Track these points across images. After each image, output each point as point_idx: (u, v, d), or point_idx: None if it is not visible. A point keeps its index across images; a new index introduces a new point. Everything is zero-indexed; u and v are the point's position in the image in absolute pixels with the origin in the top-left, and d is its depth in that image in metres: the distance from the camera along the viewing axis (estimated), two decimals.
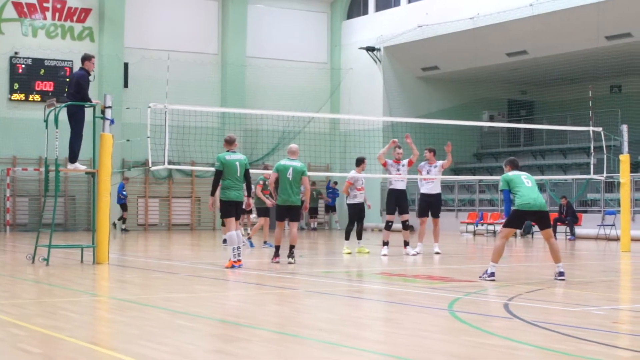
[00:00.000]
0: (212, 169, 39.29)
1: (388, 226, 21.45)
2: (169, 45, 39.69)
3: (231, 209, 17.13)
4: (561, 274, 14.65)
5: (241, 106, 38.93)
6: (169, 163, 20.55)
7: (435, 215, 21.98)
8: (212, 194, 17.41)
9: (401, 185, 21.38)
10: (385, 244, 21.28)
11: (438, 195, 22.10)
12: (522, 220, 15.17)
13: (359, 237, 22.27)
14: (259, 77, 42.43)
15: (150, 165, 20.48)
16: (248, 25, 42.58)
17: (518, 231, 33.46)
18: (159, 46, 39.75)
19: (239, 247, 16.98)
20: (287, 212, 18.28)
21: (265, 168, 24.89)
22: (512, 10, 36.20)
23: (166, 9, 41.12)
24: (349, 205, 22.06)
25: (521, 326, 9.65)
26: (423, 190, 21.98)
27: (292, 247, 18.31)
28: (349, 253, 21.75)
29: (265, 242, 24.30)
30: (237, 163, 16.95)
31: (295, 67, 43.24)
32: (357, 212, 21.93)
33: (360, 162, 21.71)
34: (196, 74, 40.83)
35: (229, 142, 17.28)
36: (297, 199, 18.30)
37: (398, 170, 21.25)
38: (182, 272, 16.74)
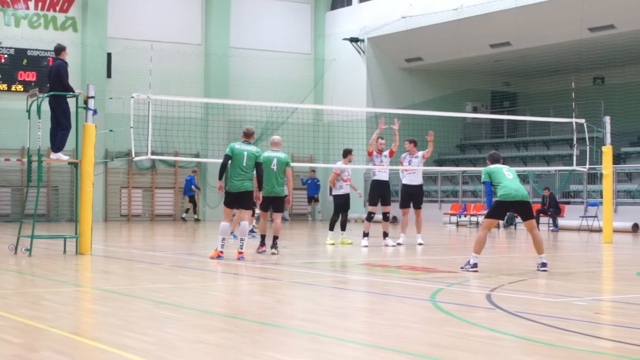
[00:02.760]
0: (196, 159, 39.37)
1: (370, 217, 21.44)
2: (153, 35, 39.56)
3: (231, 200, 16.96)
4: (544, 265, 14.72)
5: (225, 97, 38.87)
6: (152, 153, 20.52)
7: (417, 207, 21.98)
8: (220, 177, 17.15)
9: (384, 176, 21.37)
10: (366, 235, 21.28)
11: (420, 186, 22.11)
12: (504, 211, 15.25)
13: (343, 228, 22.27)
14: (243, 68, 42.37)
15: (133, 155, 20.41)
16: (232, 16, 42.49)
17: (501, 222, 33.61)
18: (142, 36, 39.61)
19: (223, 239, 16.78)
20: (271, 203, 18.35)
21: None
22: (495, 2, 36.23)
23: None
24: (335, 196, 22.07)
25: (503, 317, 9.69)
26: (405, 181, 21.99)
27: (275, 237, 18.32)
28: (332, 244, 21.76)
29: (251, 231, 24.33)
30: (245, 153, 16.77)
31: (279, 57, 43.19)
32: (342, 203, 21.94)
33: (347, 153, 21.69)
34: (180, 64, 40.73)
35: (246, 135, 17.13)
36: (281, 189, 18.31)
37: (381, 161, 21.25)
38: (165, 263, 16.73)
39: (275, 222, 18.33)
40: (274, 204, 18.38)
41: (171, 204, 41.23)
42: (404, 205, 21.98)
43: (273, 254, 18.04)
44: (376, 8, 42.35)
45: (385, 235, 21.47)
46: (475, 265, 14.72)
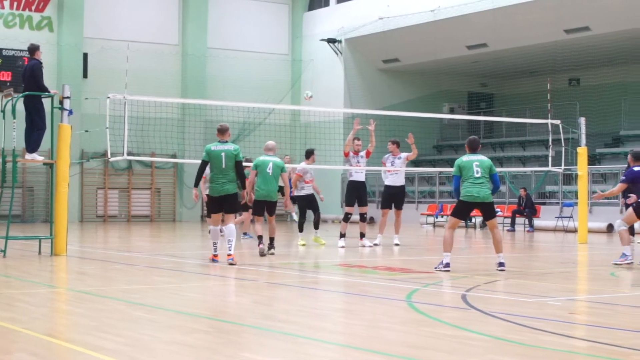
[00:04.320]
0: (173, 160, 39.24)
1: (347, 218, 21.42)
2: (129, 35, 39.45)
3: (214, 205, 16.19)
4: (501, 264, 14.95)
5: (202, 97, 38.78)
6: (129, 154, 20.47)
7: (398, 207, 21.97)
8: (195, 184, 16.97)
9: (361, 177, 21.35)
10: (343, 235, 21.27)
11: (402, 187, 22.11)
12: (466, 210, 15.42)
13: (316, 227, 22.14)
14: (220, 68, 42.31)
15: (109, 156, 20.33)
16: (209, 16, 42.43)
17: (478, 222, 33.70)
18: (118, 36, 39.49)
19: (215, 243, 16.26)
20: (266, 207, 18.19)
21: (248, 161, 24.86)
22: (472, 3, 36.34)
23: None
24: (297, 197, 22.02)
25: (478, 317, 9.71)
26: (387, 182, 21.96)
27: (271, 238, 18.31)
28: (304, 244, 21.71)
29: (245, 234, 24.41)
30: (223, 154, 15.86)
31: (256, 58, 43.15)
32: (306, 204, 21.93)
33: (309, 154, 21.62)
34: (156, 64, 40.62)
35: (220, 132, 16.26)
36: (275, 194, 18.15)
37: (358, 162, 21.23)
38: (141, 264, 16.68)
39: (270, 225, 18.35)
40: (268, 207, 18.22)
41: (148, 205, 41.11)
42: (385, 205, 21.95)
43: (271, 254, 18.06)
44: (354, 9, 42.40)
45: (362, 235, 21.46)
46: (447, 264, 14.84)
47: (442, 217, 36.76)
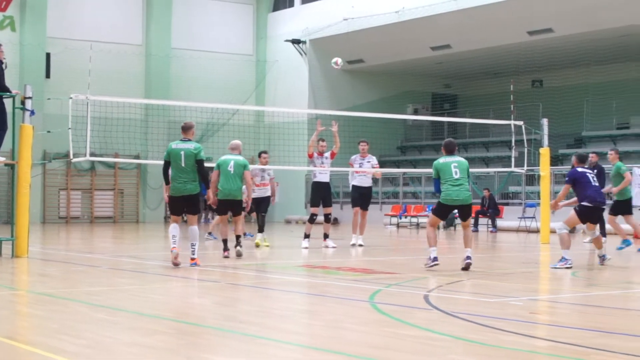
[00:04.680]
0: (136, 161, 39.09)
1: (312, 219, 21.38)
2: (93, 35, 39.23)
3: (175, 205, 15.71)
4: (468, 257, 15.09)
5: (166, 97, 38.62)
6: (91, 155, 20.36)
7: (365, 208, 21.96)
8: (166, 182, 16.04)
9: (325, 178, 21.33)
10: (307, 236, 21.23)
11: (370, 188, 22.16)
12: (445, 212, 15.55)
13: (260, 230, 21.84)
14: (184, 69, 42.20)
15: (71, 157, 20.21)
16: (173, 16, 42.30)
17: (441, 223, 33.81)
18: (82, 36, 39.28)
19: (174, 236, 15.62)
20: (229, 207, 17.79)
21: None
22: (437, 4, 36.48)
23: None
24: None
25: (440, 317, 9.74)
26: (355, 183, 21.96)
27: (238, 237, 17.85)
28: (258, 245, 21.47)
29: (209, 233, 24.26)
30: (183, 152, 15.41)
31: (221, 58, 43.08)
32: (254, 206, 21.48)
33: (258, 155, 21.51)
34: (120, 64, 40.42)
35: (183, 129, 15.79)
36: (238, 193, 17.73)
37: (322, 162, 21.22)
38: (104, 265, 16.57)
39: (236, 227, 17.98)
40: (232, 207, 17.82)
41: (111, 206, 40.92)
42: (355, 205, 21.93)
43: (239, 253, 17.61)
44: (318, 10, 42.43)
45: (326, 236, 21.45)
46: (435, 258, 15.10)
47: (405, 217, 36.88)
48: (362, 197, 21.87)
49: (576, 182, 16.16)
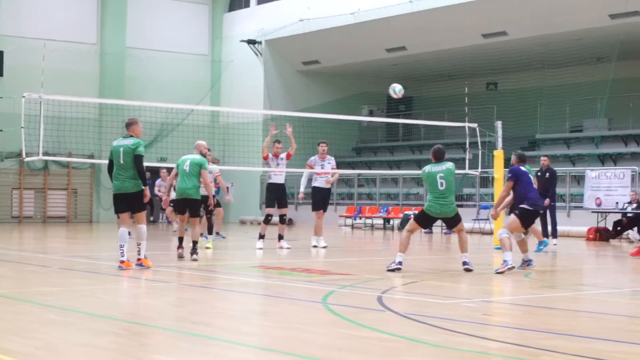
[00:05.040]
0: (90, 160, 38.75)
1: (267, 220, 21.34)
2: (46, 33, 38.96)
3: (117, 203, 15.36)
4: (465, 263, 15.30)
5: (120, 97, 38.36)
6: (44, 154, 20.20)
7: (325, 209, 22.06)
8: (112, 182, 15.67)
9: (280, 179, 21.32)
10: (262, 237, 21.20)
11: (329, 189, 22.18)
12: (428, 222, 15.71)
13: (210, 231, 21.59)
14: (139, 68, 41.99)
15: (24, 156, 20.05)
16: (128, 15, 42.08)
17: (396, 224, 33.96)
18: (35, 34, 38.97)
19: (121, 246, 15.13)
20: (186, 206, 17.45)
21: (213, 162, 24.93)
22: (392, 7, 36.60)
23: None
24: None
25: (393, 318, 9.78)
26: (316, 184, 21.93)
27: (194, 243, 17.37)
28: (209, 248, 21.04)
29: (217, 233, 24.37)
30: (121, 149, 15.11)
31: (176, 58, 42.93)
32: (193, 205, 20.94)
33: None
34: (74, 63, 40.13)
35: (126, 125, 15.58)
36: (194, 192, 17.29)
37: (278, 164, 21.19)
38: (56, 266, 16.45)
39: (192, 229, 17.50)
40: (189, 207, 17.44)
41: (64, 206, 40.63)
42: (317, 207, 21.90)
43: (194, 260, 17.13)
44: (274, 10, 42.42)
45: (281, 237, 21.43)
46: (399, 263, 15.08)
47: (360, 219, 36.96)
48: (324, 200, 21.91)
49: (518, 180, 15.92)
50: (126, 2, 42.02)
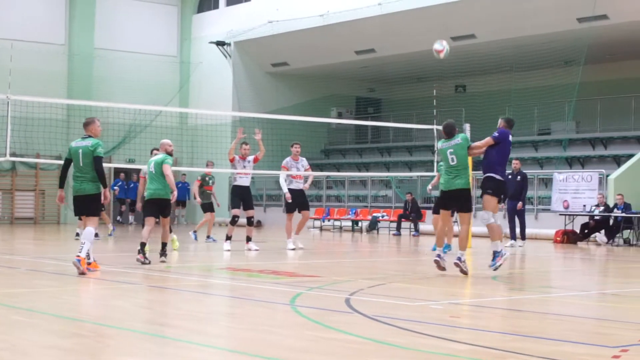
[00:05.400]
0: (58, 161, 38.59)
1: (234, 221, 21.31)
2: (14, 34, 38.68)
3: (76, 205, 15.13)
4: (458, 258, 15.06)
5: (88, 98, 38.11)
6: (12, 155, 20.08)
7: (307, 209, 22.18)
8: (60, 185, 15.60)
9: (246, 182, 21.26)
10: (229, 238, 21.13)
11: (303, 190, 22.21)
12: (442, 202, 15.62)
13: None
14: (107, 69, 41.77)
15: None
16: (96, 16, 41.85)
17: (364, 226, 34.02)
18: (2, 35, 38.65)
19: (82, 243, 14.64)
20: (158, 206, 17.27)
21: (207, 165, 25.01)
22: (361, 9, 36.62)
23: None
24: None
25: (360, 320, 9.77)
26: (291, 186, 21.96)
27: (164, 244, 17.33)
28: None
29: (208, 237, 24.87)
30: (80, 150, 14.86)
31: (145, 59, 42.76)
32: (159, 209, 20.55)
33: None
34: (42, 64, 39.84)
35: (83, 125, 15.22)
36: (163, 192, 17.19)
37: (244, 167, 21.15)
38: (23, 267, 16.34)
39: (164, 229, 17.38)
40: (162, 208, 17.27)
41: (32, 207, 40.37)
42: (291, 209, 21.93)
43: (162, 261, 17.05)
44: (243, 12, 42.37)
45: (249, 239, 21.38)
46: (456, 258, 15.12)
47: (328, 221, 36.97)
48: (300, 200, 21.94)
49: (501, 144, 15.38)
50: (94, 2, 41.81)
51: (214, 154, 32.15)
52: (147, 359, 7.57)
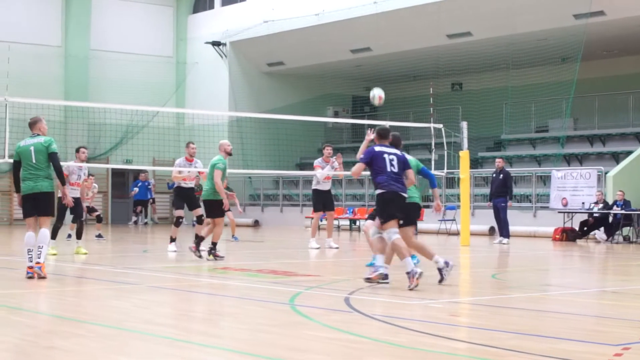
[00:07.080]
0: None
1: (178, 223, 21.04)
2: (11, 36, 38.62)
3: (27, 205, 14.09)
4: (446, 263, 13.95)
5: (85, 99, 38.12)
6: (10, 157, 20.01)
7: (332, 209, 23.40)
8: (16, 190, 14.31)
9: (190, 184, 21.00)
10: (173, 240, 20.77)
11: (330, 190, 23.22)
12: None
13: (78, 237, 20.50)
14: (104, 70, 41.71)
15: None
16: (92, 18, 41.80)
17: (362, 225, 33.93)
18: None
19: (29, 250, 13.92)
20: (206, 207, 18.38)
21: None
22: (356, 8, 36.61)
23: None
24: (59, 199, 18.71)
25: (360, 319, 9.78)
26: (318, 187, 22.72)
27: (214, 244, 18.26)
28: (55, 254, 19.29)
29: (233, 236, 25.58)
30: (32, 148, 14.08)
31: (141, 60, 42.70)
32: (64, 209, 19.20)
33: (76, 150, 20.91)
34: (39, 66, 39.79)
35: (29, 125, 14.56)
36: (210, 193, 18.13)
37: (195, 167, 20.85)
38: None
39: (215, 227, 18.53)
40: (208, 208, 18.43)
41: None
42: (318, 209, 22.79)
43: (214, 258, 18.12)
44: (238, 12, 42.34)
45: (198, 238, 20.66)
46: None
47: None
48: (326, 200, 22.77)
49: (373, 162, 13.61)
50: (90, 4, 41.76)
51: (211, 154, 32.04)
52: (145, 359, 7.57)
